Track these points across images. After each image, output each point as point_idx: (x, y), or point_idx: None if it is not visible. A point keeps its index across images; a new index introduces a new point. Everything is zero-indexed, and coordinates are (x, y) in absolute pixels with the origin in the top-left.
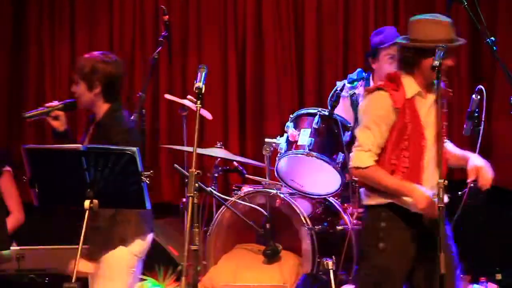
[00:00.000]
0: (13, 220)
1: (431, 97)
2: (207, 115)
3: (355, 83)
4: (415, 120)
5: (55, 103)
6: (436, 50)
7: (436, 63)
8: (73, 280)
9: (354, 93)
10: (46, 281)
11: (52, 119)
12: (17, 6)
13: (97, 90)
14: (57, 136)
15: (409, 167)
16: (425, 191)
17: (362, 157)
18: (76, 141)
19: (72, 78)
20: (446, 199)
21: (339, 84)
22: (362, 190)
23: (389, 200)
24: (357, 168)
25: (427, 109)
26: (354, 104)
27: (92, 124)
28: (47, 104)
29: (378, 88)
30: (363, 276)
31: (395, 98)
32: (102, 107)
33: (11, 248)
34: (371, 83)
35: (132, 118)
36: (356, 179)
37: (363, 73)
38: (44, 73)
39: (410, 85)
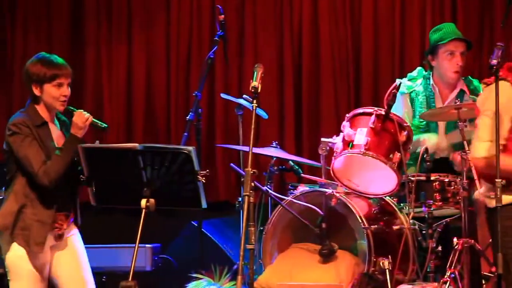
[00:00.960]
0: None
1: None
2: (263, 114)
3: (415, 80)
4: None
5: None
6: (495, 49)
7: (494, 61)
8: (130, 279)
9: (414, 90)
10: (103, 279)
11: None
12: (74, 8)
13: None
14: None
15: None
16: None
17: (479, 147)
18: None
19: (63, 83)
20: None
21: (398, 81)
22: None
23: None
24: (476, 158)
25: None
26: (413, 101)
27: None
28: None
29: (500, 79)
30: None
31: None
32: None
33: None
34: (431, 82)
35: (188, 117)
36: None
37: (424, 72)
38: (101, 75)
39: None
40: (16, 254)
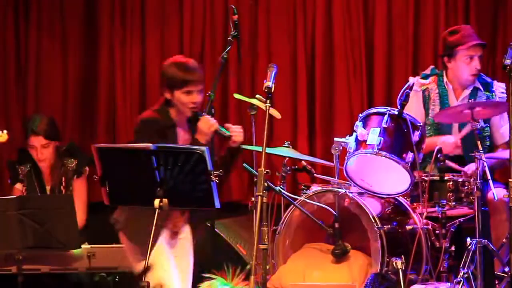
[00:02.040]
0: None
1: None
2: (276, 114)
3: (428, 78)
4: None
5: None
6: (508, 49)
7: (508, 61)
8: (144, 279)
9: (427, 88)
10: (116, 279)
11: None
12: (88, 8)
13: None
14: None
15: None
16: None
17: None
18: None
19: (192, 91)
20: None
21: (411, 80)
22: None
23: None
24: None
25: None
26: (426, 99)
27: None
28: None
29: None
30: None
31: None
32: None
33: (82, 246)
34: (445, 80)
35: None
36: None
37: (436, 70)
38: (115, 75)
39: None
40: None
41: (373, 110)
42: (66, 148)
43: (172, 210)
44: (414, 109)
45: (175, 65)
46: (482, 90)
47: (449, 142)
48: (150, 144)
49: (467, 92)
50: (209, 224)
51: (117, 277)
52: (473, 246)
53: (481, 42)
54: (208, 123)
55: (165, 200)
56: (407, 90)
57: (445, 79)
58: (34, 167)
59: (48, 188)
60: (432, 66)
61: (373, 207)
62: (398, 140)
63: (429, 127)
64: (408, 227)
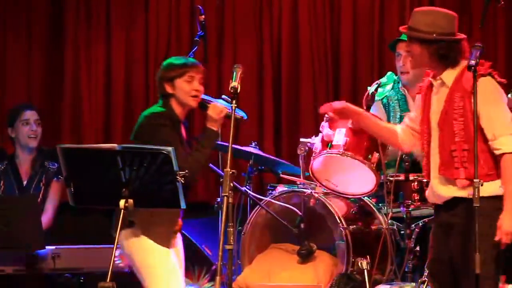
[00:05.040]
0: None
1: None
2: (242, 115)
3: (385, 85)
4: None
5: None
6: (472, 50)
7: (473, 62)
8: (108, 279)
9: (385, 95)
10: (81, 280)
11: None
12: (54, 7)
13: None
14: None
15: None
16: None
17: None
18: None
19: (194, 77)
20: None
21: (370, 88)
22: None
23: None
24: None
25: None
26: (386, 107)
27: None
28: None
29: None
30: None
31: None
32: None
33: (47, 247)
34: (400, 86)
35: None
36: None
37: (394, 76)
38: (80, 74)
39: None
40: None
41: None
42: (50, 150)
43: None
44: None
45: (171, 58)
46: None
47: None
48: (115, 145)
49: None
50: None
51: (82, 278)
52: None
53: (401, 38)
54: (218, 109)
55: (131, 201)
56: (373, 91)
57: (401, 84)
58: (10, 163)
59: (24, 183)
60: (389, 73)
61: (338, 208)
62: (364, 140)
63: None
64: (374, 227)
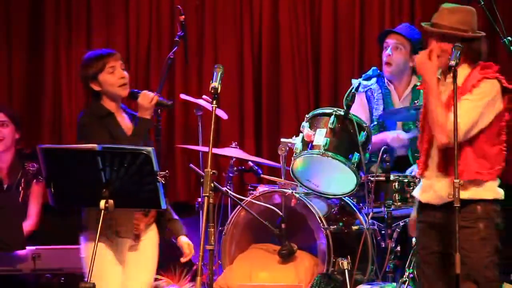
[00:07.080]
0: (27, 225)
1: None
2: (223, 115)
3: (370, 79)
4: None
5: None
6: (453, 50)
7: (453, 62)
8: (89, 280)
9: (370, 88)
10: (61, 280)
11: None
12: (34, 8)
13: None
14: None
15: None
16: None
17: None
18: None
19: (115, 66)
20: None
21: (354, 82)
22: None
23: None
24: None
25: None
26: (369, 100)
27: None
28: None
29: None
30: None
31: None
32: None
33: (27, 248)
34: (386, 80)
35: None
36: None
37: (378, 71)
38: (60, 74)
39: None
40: None
41: (320, 110)
42: (30, 152)
43: (132, 212)
44: (358, 110)
45: (86, 56)
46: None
47: (403, 137)
48: (95, 145)
49: (408, 90)
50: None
51: (63, 278)
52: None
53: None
54: (148, 97)
55: (111, 201)
56: (353, 91)
57: (385, 79)
58: None
59: (5, 186)
60: (373, 67)
61: (319, 208)
62: (344, 140)
63: (373, 126)
64: (354, 228)
